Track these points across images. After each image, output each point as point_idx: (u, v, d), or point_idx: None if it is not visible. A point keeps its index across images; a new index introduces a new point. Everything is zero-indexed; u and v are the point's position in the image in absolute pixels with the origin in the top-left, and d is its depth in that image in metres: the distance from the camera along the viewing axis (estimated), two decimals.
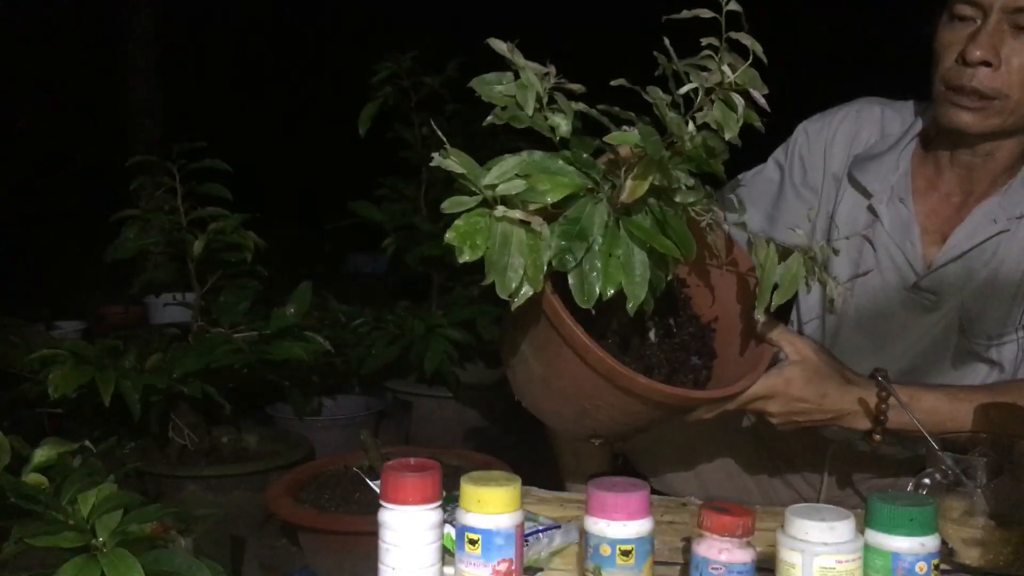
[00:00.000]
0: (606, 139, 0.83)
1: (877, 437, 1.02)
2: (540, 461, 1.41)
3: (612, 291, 0.80)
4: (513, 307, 0.79)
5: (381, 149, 2.59)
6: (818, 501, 1.30)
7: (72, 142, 5.39)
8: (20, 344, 1.88)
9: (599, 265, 0.81)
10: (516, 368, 0.97)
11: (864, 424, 1.02)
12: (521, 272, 0.78)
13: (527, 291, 0.79)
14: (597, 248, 0.81)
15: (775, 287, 0.88)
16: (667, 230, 0.83)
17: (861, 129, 1.24)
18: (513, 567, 0.79)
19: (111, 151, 3.51)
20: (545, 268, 0.80)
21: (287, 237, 2.86)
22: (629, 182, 0.81)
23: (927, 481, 0.92)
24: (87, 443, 1.27)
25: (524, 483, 0.82)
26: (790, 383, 0.97)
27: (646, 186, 0.81)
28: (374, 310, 2.52)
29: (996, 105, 1.06)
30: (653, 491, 0.82)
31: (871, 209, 1.20)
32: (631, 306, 0.81)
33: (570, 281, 0.81)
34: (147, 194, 1.96)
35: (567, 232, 0.80)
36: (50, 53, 5.45)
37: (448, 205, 0.80)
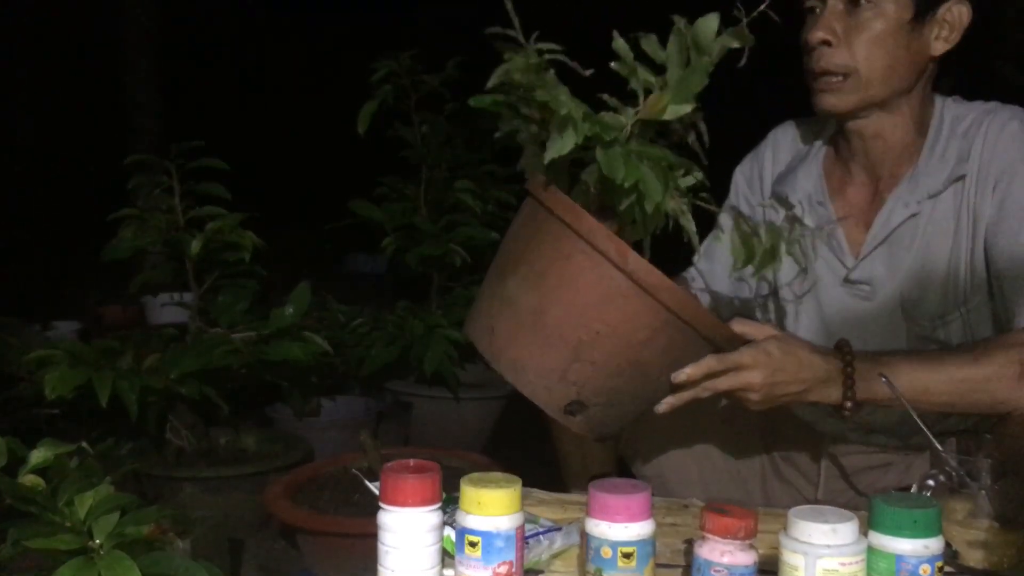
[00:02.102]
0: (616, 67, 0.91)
1: (848, 405, 1.06)
2: (541, 462, 1.41)
3: (633, 181, 0.86)
4: (550, 154, 0.86)
5: (381, 149, 2.58)
6: (816, 496, 1.31)
7: (71, 142, 5.39)
8: (17, 344, 1.87)
9: (622, 157, 0.87)
10: (497, 321, 0.97)
11: (835, 395, 1.06)
12: (570, 105, 0.84)
13: (572, 134, 0.85)
14: (620, 144, 0.87)
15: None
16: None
17: (779, 151, 1.37)
18: (513, 569, 0.78)
19: (111, 151, 3.50)
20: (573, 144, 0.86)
21: (286, 237, 2.85)
22: (651, 98, 0.90)
23: (931, 483, 0.91)
24: (84, 444, 1.26)
25: (524, 484, 0.81)
26: (770, 355, 1.02)
27: (665, 101, 0.89)
28: (374, 310, 2.51)
29: (849, 83, 1.14)
30: (653, 493, 0.82)
31: (795, 217, 1.27)
32: (649, 203, 0.86)
33: (599, 156, 0.86)
34: (145, 193, 1.95)
35: (597, 123, 0.87)
36: (49, 53, 5.44)
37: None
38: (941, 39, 1.14)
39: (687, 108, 0.90)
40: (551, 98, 0.84)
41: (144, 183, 1.94)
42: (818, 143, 1.30)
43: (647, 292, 0.89)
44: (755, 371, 1.02)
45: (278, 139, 5.72)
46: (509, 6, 0.87)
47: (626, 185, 0.86)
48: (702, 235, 1.04)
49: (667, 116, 0.91)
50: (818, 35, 1.13)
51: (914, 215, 1.18)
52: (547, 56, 0.89)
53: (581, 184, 0.95)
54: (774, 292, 1.32)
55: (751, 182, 1.38)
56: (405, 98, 2.52)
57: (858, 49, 1.12)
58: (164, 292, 2.26)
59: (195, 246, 1.83)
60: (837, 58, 1.13)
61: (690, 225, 0.97)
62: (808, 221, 1.26)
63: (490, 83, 0.90)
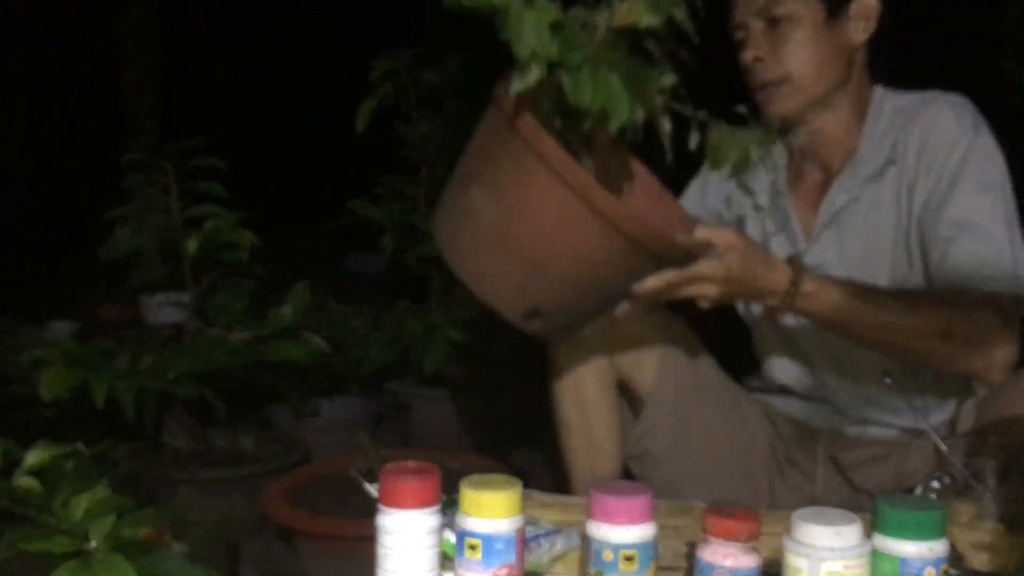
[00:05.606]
0: None
1: (780, 315, 1.11)
2: (541, 464, 1.40)
3: (599, 104, 0.85)
4: (515, 89, 0.84)
5: (380, 148, 2.58)
6: (815, 493, 1.31)
7: (69, 141, 5.38)
8: (12, 344, 1.86)
9: (590, 76, 0.86)
10: (462, 230, 0.98)
11: (775, 303, 1.11)
12: (534, 42, 0.82)
13: (537, 69, 0.83)
14: (587, 59, 0.86)
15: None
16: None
17: None
18: (513, 572, 0.78)
19: (109, 150, 3.49)
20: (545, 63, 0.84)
21: (285, 236, 2.84)
22: (623, 6, 0.89)
23: (936, 485, 0.91)
24: (80, 446, 1.25)
25: (525, 487, 0.81)
26: (730, 270, 1.06)
27: (640, 9, 0.88)
28: (373, 310, 2.50)
29: (787, 89, 1.24)
30: (661, 494, 0.81)
31: (756, 206, 1.37)
32: (614, 124, 0.86)
33: (565, 81, 0.85)
34: (142, 192, 1.94)
35: (564, 42, 0.86)
36: (48, 51, 5.44)
37: None
38: (860, 31, 1.24)
39: (657, 19, 0.89)
40: (513, 36, 0.83)
41: (141, 182, 1.93)
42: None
43: (605, 218, 0.90)
44: (713, 284, 1.07)
45: (278, 138, 5.72)
46: None
47: (592, 110, 0.86)
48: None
49: (643, 24, 0.90)
50: (750, 55, 1.24)
51: (855, 199, 1.25)
52: None
53: (543, 101, 0.93)
54: None
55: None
56: (405, 96, 2.51)
57: (787, 58, 1.23)
58: (161, 292, 2.25)
59: (192, 245, 1.82)
60: (771, 70, 1.24)
61: (666, 126, 0.97)
62: (769, 209, 1.35)
63: None
